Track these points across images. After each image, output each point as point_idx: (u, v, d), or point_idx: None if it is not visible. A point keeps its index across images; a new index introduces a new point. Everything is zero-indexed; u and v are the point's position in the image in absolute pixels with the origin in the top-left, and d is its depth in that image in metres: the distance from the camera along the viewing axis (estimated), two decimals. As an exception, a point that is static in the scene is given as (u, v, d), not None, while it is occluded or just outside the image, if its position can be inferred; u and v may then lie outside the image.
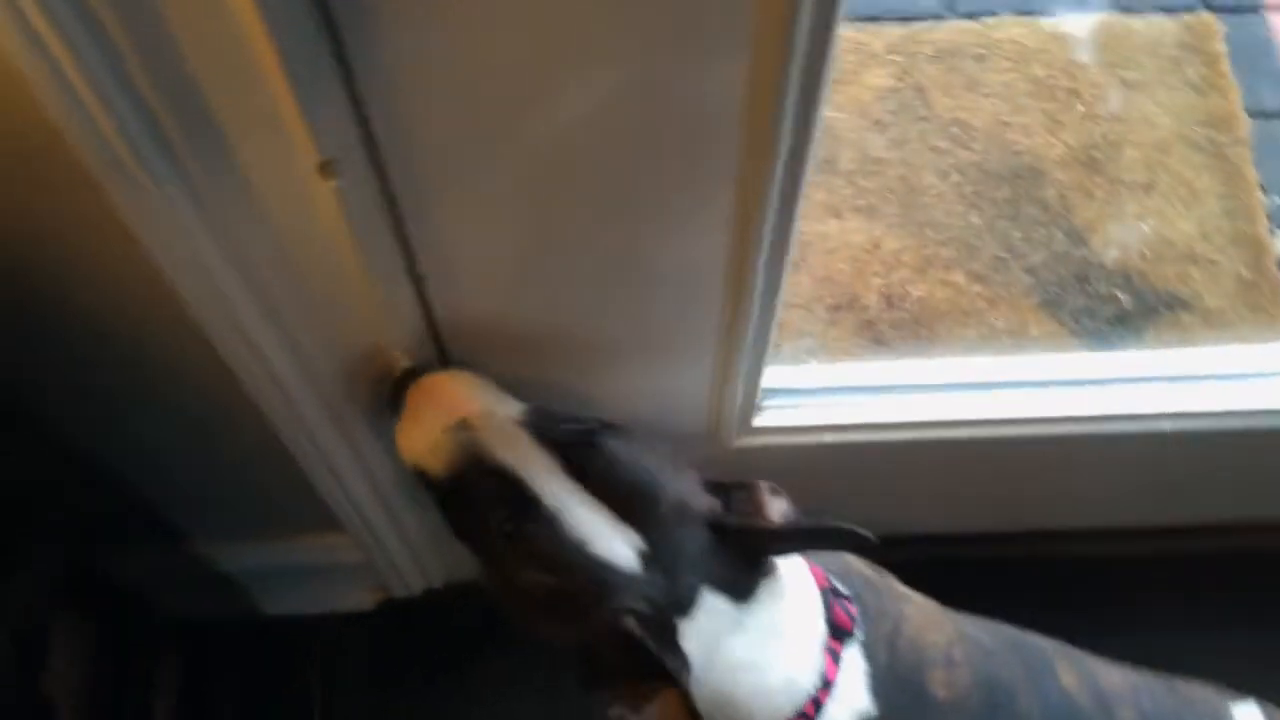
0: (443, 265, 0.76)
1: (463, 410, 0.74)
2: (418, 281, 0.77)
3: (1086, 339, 1.47)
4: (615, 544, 0.69)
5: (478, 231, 0.74)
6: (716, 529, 0.73)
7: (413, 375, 0.79)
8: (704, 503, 0.74)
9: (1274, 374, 1.04)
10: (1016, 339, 1.47)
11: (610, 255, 0.76)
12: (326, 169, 0.62)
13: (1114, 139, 1.59)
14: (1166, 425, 1.01)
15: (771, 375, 0.96)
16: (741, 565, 0.73)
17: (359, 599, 1.22)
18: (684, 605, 0.70)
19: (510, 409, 0.76)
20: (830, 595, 0.78)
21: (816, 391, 1.01)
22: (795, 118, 0.63)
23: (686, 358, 0.89)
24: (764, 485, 0.78)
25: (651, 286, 0.81)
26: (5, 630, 0.76)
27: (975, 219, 1.55)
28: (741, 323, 0.83)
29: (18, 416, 0.84)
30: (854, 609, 0.78)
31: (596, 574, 0.69)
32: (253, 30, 0.53)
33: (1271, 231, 1.51)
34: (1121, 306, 1.48)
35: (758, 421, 1.00)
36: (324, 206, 0.65)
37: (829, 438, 1.01)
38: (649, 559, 0.70)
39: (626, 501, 0.70)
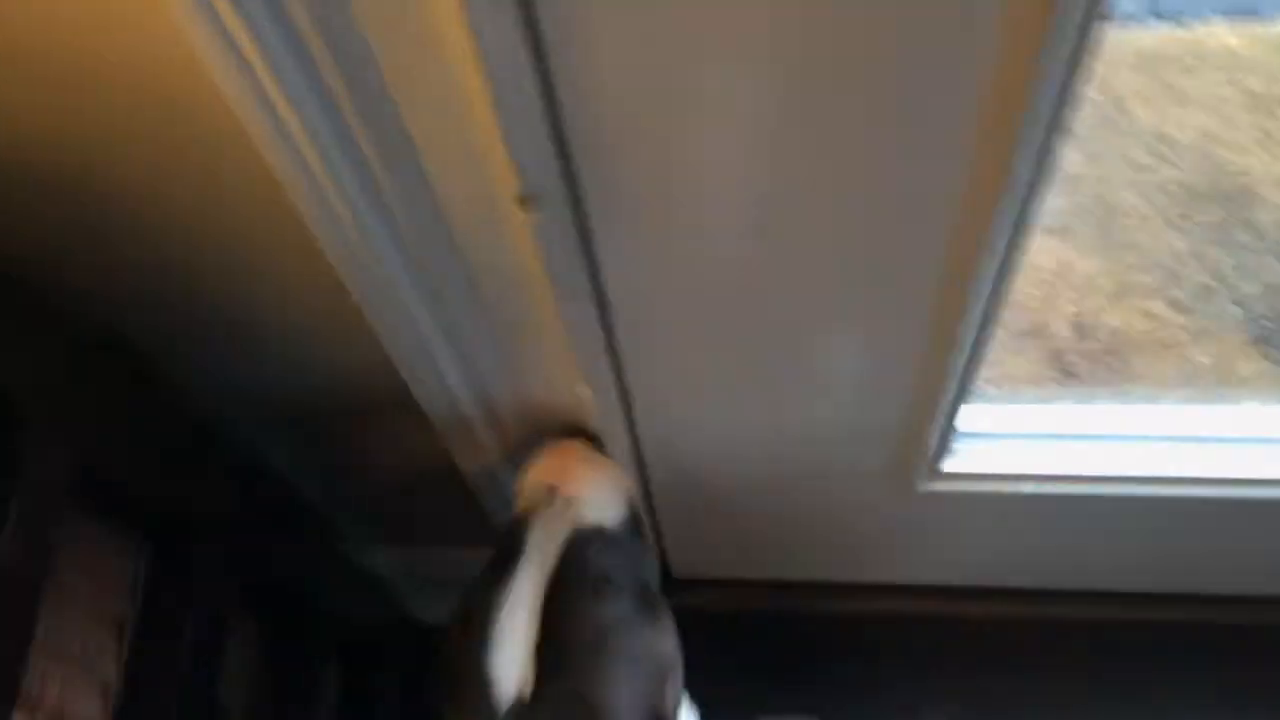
0: (631, 300, 0.72)
1: (562, 482, 0.75)
2: (605, 313, 0.73)
3: (1302, 380, 1.34)
4: (510, 671, 0.65)
5: (672, 270, 0.69)
6: None
7: (566, 434, 0.81)
8: None
9: None
10: (1222, 378, 1.36)
11: (810, 275, 0.71)
12: (526, 203, 0.59)
13: (1340, 160, 1.45)
14: None
15: (968, 416, 0.89)
16: None
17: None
18: None
19: (596, 514, 0.73)
20: None
21: (1015, 436, 0.93)
22: (1042, 129, 0.56)
23: (880, 396, 0.83)
24: None
25: (848, 320, 0.75)
26: (190, 626, 0.76)
27: (1179, 243, 1.43)
28: (945, 362, 0.76)
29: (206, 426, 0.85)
30: None
31: (476, 676, 0.65)
32: (464, 60, 0.50)
33: None
34: (1343, 345, 1.35)
35: (948, 466, 0.93)
36: (519, 240, 0.62)
37: (1028, 488, 0.93)
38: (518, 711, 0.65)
39: (560, 652, 0.66)
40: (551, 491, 0.73)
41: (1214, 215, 1.44)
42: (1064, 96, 0.54)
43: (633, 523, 0.76)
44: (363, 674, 1.14)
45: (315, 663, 1.02)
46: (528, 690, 0.65)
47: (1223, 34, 1.57)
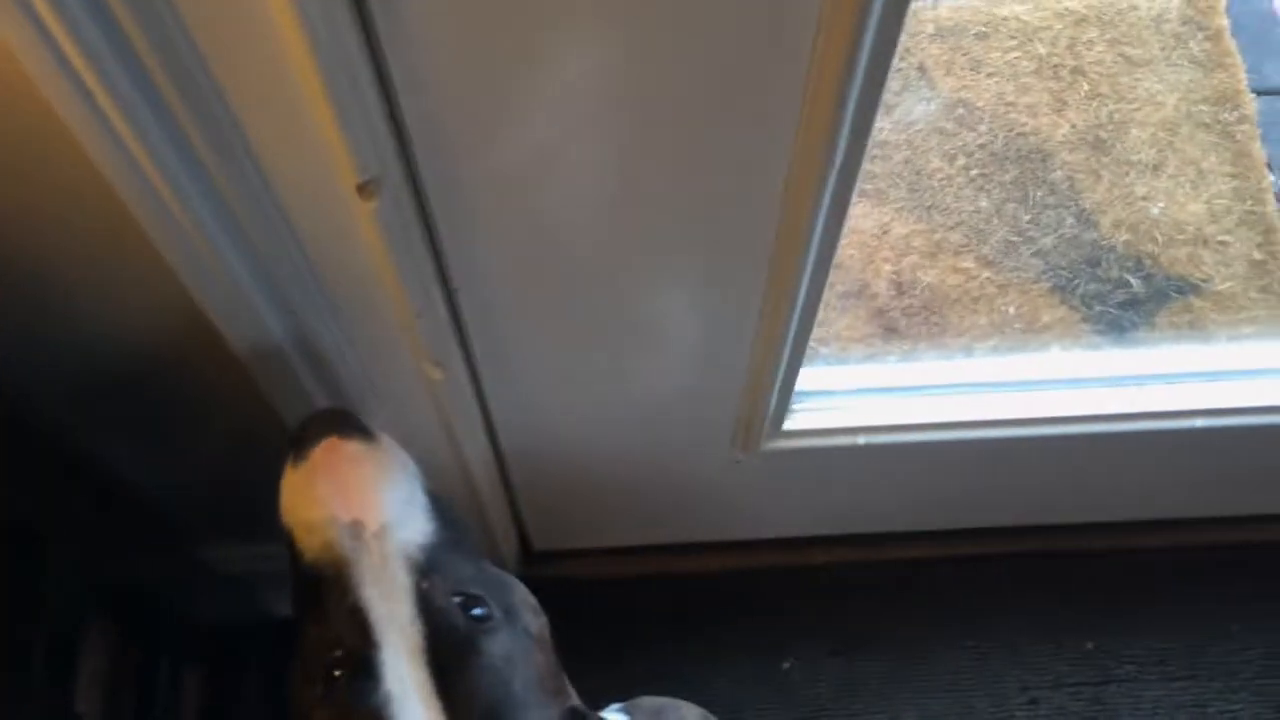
0: (475, 281, 0.73)
1: (362, 513, 0.64)
2: (450, 295, 0.74)
3: (1097, 324, 1.45)
4: None
5: (514, 248, 0.70)
6: None
7: (333, 424, 0.66)
8: None
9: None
10: (1028, 326, 1.46)
11: (649, 246, 0.73)
12: (365, 190, 0.59)
13: (1120, 119, 1.57)
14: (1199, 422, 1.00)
15: (803, 377, 0.94)
16: None
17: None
18: None
19: (415, 532, 0.65)
20: None
21: (848, 393, 0.99)
22: (858, 102, 0.60)
23: (722, 361, 0.86)
24: None
25: (689, 288, 0.78)
26: (41, 637, 0.73)
27: (984, 202, 1.53)
28: (781, 325, 0.80)
29: (25, 424, 0.81)
30: None
31: None
32: (295, 45, 0.50)
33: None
34: (1132, 291, 1.47)
35: (789, 424, 0.97)
36: (361, 229, 0.62)
37: (862, 439, 0.99)
38: None
39: None
40: (356, 528, 0.63)
41: (1012, 175, 1.54)
42: (879, 67, 0.58)
43: (437, 504, 0.68)
44: (224, 676, 1.11)
45: (175, 668, 0.99)
46: None
47: (1012, 2, 1.67)
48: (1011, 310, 1.47)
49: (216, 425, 0.92)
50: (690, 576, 1.25)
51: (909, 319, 1.47)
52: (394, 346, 0.75)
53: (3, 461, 0.73)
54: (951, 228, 1.51)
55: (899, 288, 1.48)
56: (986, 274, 1.48)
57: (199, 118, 0.54)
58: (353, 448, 0.66)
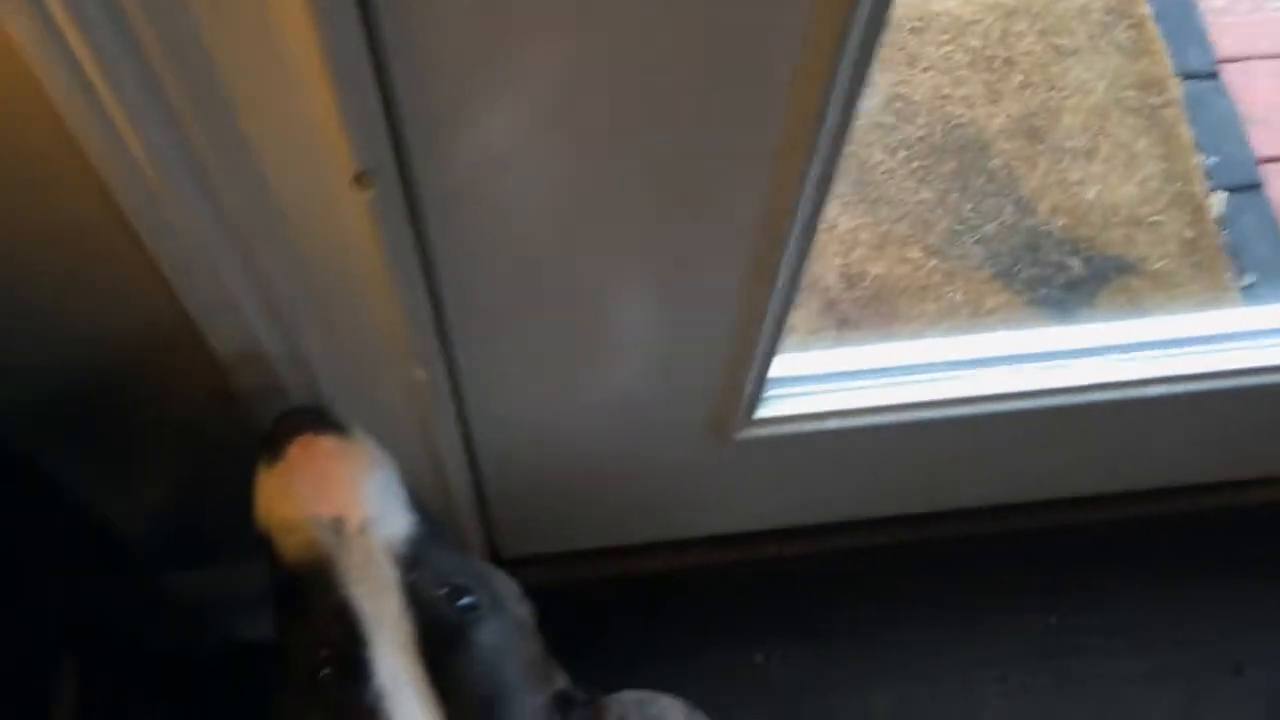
0: (460, 278, 0.72)
1: (343, 508, 0.62)
2: (434, 292, 0.73)
3: (1040, 308, 1.49)
4: None
5: (499, 236, 0.70)
6: None
7: (307, 421, 0.65)
8: None
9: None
10: (973, 312, 1.49)
11: (633, 239, 0.73)
12: (361, 180, 0.58)
13: (1052, 107, 1.61)
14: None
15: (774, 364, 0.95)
16: None
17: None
18: None
19: (397, 526, 0.64)
20: None
21: (818, 378, 1.00)
22: (844, 88, 0.61)
23: (700, 350, 0.86)
24: (614, 709, 0.71)
25: (670, 273, 0.77)
26: (15, 678, 0.69)
27: (927, 193, 1.55)
28: (761, 310, 0.80)
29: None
30: None
31: None
32: (298, 33, 0.49)
33: (1208, 190, 1.55)
34: (1072, 273, 1.51)
35: (761, 413, 0.98)
36: (353, 221, 0.61)
37: (833, 424, 1.00)
38: None
39: (466, 713, 0.60)
40: (338, 524, 0.62)
41: (952, 166, 1.57)
42: (863, 63, 0.59)
43: (414, 498, 0.67)
44: (189, 704, 1.08)
45: (142, 699, 0.96)
46: None
47: (943, -1, 1.71)
48: (958, 297, 1.50)
49: (183, 442, 0.89)
50: (660, 576, 1.25)
51: (861, 310, 1.49)
52: (377, 348, 0.74)
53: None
54: (897, 219, 1.54)
55: (849, 280, 1.50)
56: (933, 263, 1.51)
57: (195, 101, 0.52)
58: (329, 443, 0.64)
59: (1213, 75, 1.65)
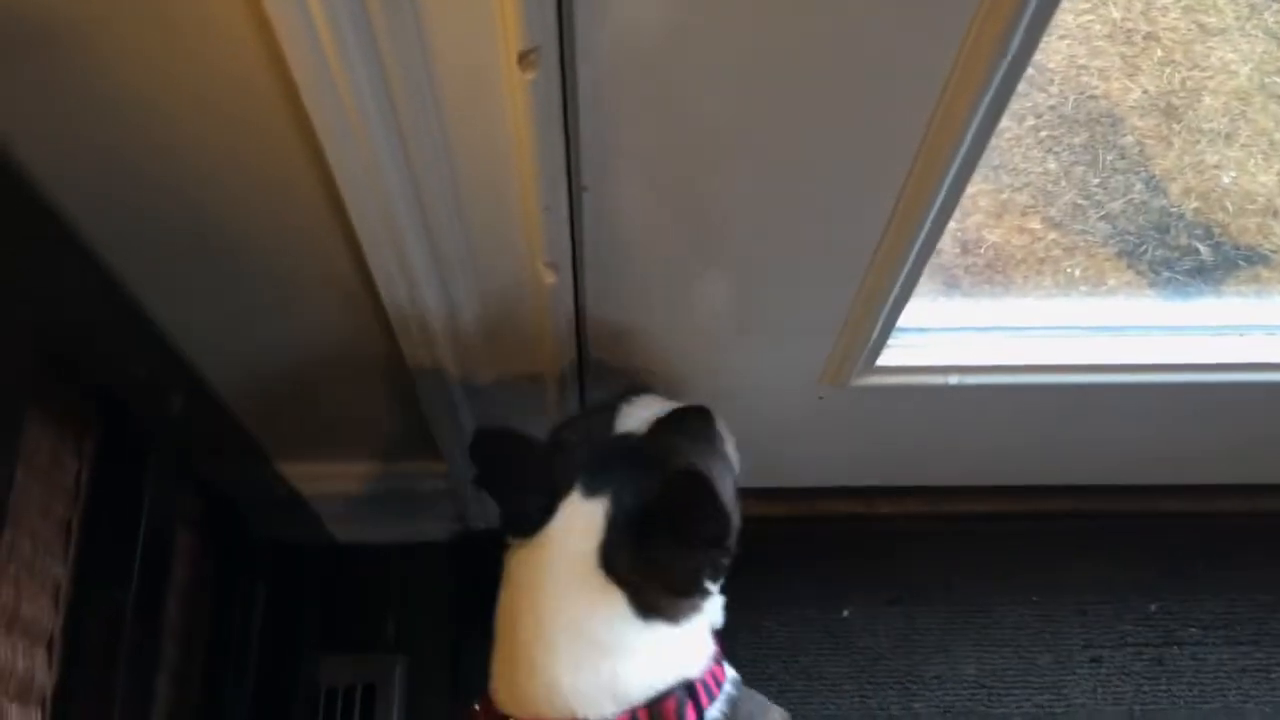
0: (603, 175, 0.71)
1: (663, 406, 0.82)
2: (576, 195, 0.72)
3: (1164, 290, 1.44)
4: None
5: (648, 148, 0.68)
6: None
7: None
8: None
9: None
10: (1092, 289, 1.44)
11: (797, 145, 0.71)
12: (526, 59, 0.57)
13: (1193, 86, 1.55)
14: None
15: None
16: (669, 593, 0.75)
17: (436, 529, 1.18)
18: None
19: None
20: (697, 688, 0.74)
21: (944, 330, 0.97)
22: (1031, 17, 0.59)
23: (839, 278, 0.83)
24: None
25: (828, 188, 0.75)
26: (141, 542, 0.71)
27: (1052, 164, 1.51)
28: (904, 246, 0.78)
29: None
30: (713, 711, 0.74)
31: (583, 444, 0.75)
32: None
33: (1351, 186, 1.49)
34: (1200, 258, 1.45)
35: (883, 360, 0.96)
36: (509, 105, 0.60)
37: (953, 379, 0.97)
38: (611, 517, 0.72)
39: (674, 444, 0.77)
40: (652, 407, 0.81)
41: (1082, 138, 1.52)
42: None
43: None
44: (287, 591, 1.10)
45: (249, 582, 0.98)
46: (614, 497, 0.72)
47: (1084, -33, 1.65)
48: (1077, 273, 1.45)
49: (314, 329, 0.89)
50: (753, 520, 1.23)
51: (973, 277, 1.45)
52: (512, 243, 0.73)
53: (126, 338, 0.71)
54: (1019, 188, 1.49)
55: (964, 245, 1.46)
56: (1053, 235, 1.47)
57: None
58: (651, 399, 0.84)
59: (1366, 65, 1.57)
